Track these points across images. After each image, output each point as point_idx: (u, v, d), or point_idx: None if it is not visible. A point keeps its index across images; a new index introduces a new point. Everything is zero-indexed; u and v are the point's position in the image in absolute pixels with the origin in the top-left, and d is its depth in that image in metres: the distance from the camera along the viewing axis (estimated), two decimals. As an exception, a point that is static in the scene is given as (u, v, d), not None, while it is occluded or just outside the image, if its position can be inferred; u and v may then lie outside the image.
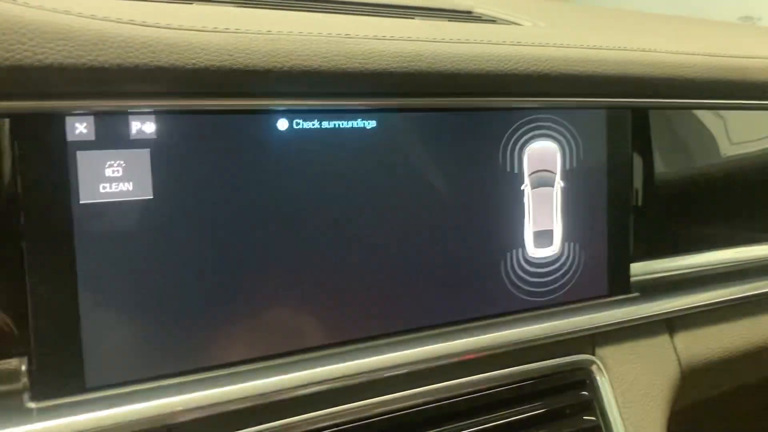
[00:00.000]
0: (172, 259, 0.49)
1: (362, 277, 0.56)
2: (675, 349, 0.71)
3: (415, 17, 0.67)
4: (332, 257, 0.54)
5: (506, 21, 0.75)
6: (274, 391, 0.50)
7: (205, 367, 0.50)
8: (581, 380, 0.65)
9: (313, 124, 0.53)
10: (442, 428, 0.58)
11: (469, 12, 0.78)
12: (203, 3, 0.57)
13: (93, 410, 0.45)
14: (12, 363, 0.46)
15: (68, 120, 0.45)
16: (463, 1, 0.83)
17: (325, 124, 0.54)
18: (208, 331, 0.50)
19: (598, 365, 0.65)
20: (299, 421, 0.52)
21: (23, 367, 0.46)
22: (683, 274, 0.75)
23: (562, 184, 0.64)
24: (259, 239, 0.52)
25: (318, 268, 0.54)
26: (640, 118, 0.71)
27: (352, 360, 0.54)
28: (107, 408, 0.46)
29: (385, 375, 0.56)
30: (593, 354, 0.66)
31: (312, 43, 0.50)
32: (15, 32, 0.40)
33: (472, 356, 0.59)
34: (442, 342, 0.58)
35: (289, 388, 0.51)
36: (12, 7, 0.41)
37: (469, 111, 0.59)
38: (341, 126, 0.54)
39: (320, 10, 0.62)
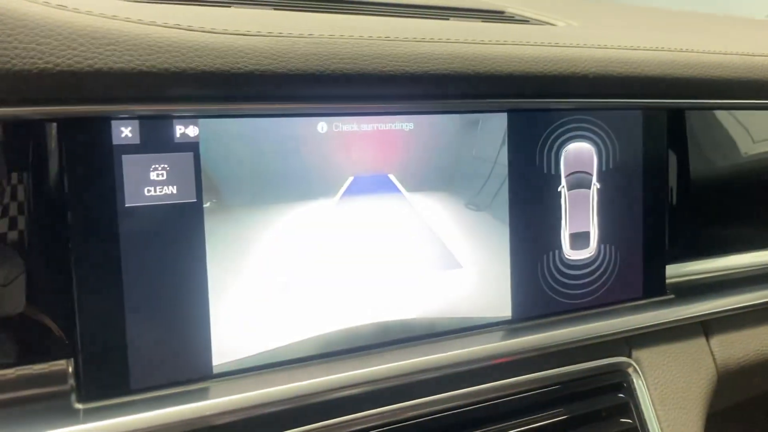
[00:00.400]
0: (215, 262, 0.49)
1: (398, 277, 0.56)
2: (711, 351, 0.70)
3: (450, 18, 0.67)
4: (370, 258, 0.55)
5: (539, 21, 0.75)
6: (316, 393, 0.51)
7: (248, 368, 0.51)
8: (617, 383, 0.64)
9: (352, 127, 0.54)
10: (478, 431, 0.58)
11: (502, 12, 0.78)
12: (242, 6, 0.58)
13: (138, 411, 0.46)
14: (60, 364, 0.46)
15: (114, 124, 0.46)
16: (494, 1, 0.82)
17: (365, 127, 0.54)
18: (251, 332, 0.51)
19: (634, 367, 0.65)
20: (340, 423, 0.52)
21: (70, 369, 0.46)
22: (719, 275, 0.74)
23: (598, 185, 0.64)
24: (301, 241, 0.52)
25: (356, 269, 0.54)
26: (676, 118, 0.70)
27: (389, 363, 0.54)
28: (152, 409, 0.46)
29: (420, 378, 0.56)
30: (629, 356, 0.66)
31: (353, 46, 0.50)
32: (65, 38, 0.40)
33: (507, 359, 0.59)
34: (477, 345, 0.58)
35: (330, 390, 0.51)
36: (62, 12, 0.41)
37: (506, 112, 0.59)
38: (380, 128, 0.55)
39: (357, 12, 0.62)
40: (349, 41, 0.50)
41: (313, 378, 0.51)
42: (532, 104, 0.59)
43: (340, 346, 0.54)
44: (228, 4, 0.58)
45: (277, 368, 0.52)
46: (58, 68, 0.40)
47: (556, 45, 0.58)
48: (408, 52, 0.51)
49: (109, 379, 0.46)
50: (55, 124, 0.45)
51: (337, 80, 0.49)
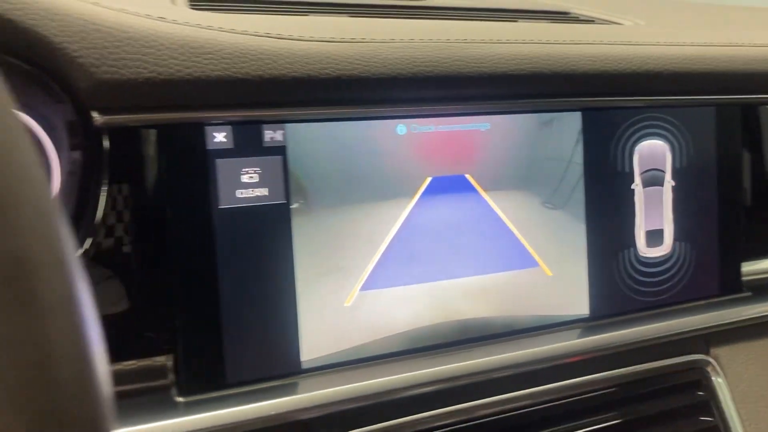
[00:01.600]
0: (302, 261, 0.51)
1: (476, 276, 0.57)
2: (792, 349, 0.69)
3: (518, 20, 0.68)
4: (449, 257, 0.56)
5: (605, 21, 0.75)
6: (397, 389, 0.52)
7: (334, 364, 0.52)
8: (696, 380, 0.64)
9: (430, 128, 0.55)
10: (557, 428, 0.58)
11: (566, 13, 0.78)
12: (319, 14, 0.59)
13: (234, 405, 0.48)
14: (160, 360, 0.48)
15: (208, 129, 0.48)
16: (556, 2, 0.83)
17: (441, 128, 0.55)
18: (336, 329, 0.52)
19: (713, 365, 0.64)
20: (422, 419, 0.53)
21: (170, 364, 0.48)
22: (796, 273, 0.73)
23: (672, 182, 0.64)
24: (381, 241, 0.53)
25: (435, 268, 0.55)
26: (751, 114, 0.69)
27: (468, 360, 0.55)
28: (247, 403, 0.48)
29: (498, 375, 0.56)
30: (707, 354, 0.65)
31: (433, 50, 0.51)
32: (167, 48, 0.43)
33: (584, 357, 0.59)
34: (555, 343, 0.58)
35: (411, 386, 0.52)
36: (162, 24, 0.44)
37: (580, 111, 0.59)
38: (456, 128, 0.56)
39: (427, 16, 0.63)
40: (428, 45, 0.51)
41: (394, 374, 0.52)
42: (605, 102, 0.60)
43: (420, 343, 0.55)
44: (306, 13, 0.59)
45: (361, 365, 0.53)
46: (161, 77, 0.43)
47: (629, 43, 0.59)
48: (485, 53, 0.53)
49: (207, 374, 0.48)
50: (154, 131, 0.47)
51: (418, 83, 0.51)
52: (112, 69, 0.41)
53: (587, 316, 0.61)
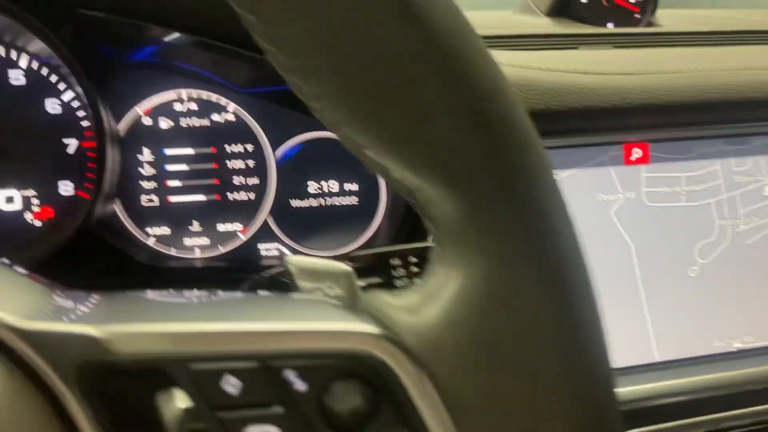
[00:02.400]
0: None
1: None
2: None
3: (769, 42, 0.70)
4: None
5: None
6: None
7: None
8: None
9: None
10: None
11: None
12: (586, 47, 0.65)
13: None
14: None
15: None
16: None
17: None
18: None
19: None
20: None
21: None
22: None
23: None
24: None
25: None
26: None
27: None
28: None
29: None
30: None
31: (718, 77, 0.55)
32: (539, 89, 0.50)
33: None
34: None
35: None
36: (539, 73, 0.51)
37: None
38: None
39: (687, 43, 0.67)
40: (713, 74, 0.55)
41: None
42: None
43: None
44: (574, 46, 0.65)
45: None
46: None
47: None
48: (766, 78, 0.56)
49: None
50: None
51: (701, 110, 0.55)
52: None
53: None
